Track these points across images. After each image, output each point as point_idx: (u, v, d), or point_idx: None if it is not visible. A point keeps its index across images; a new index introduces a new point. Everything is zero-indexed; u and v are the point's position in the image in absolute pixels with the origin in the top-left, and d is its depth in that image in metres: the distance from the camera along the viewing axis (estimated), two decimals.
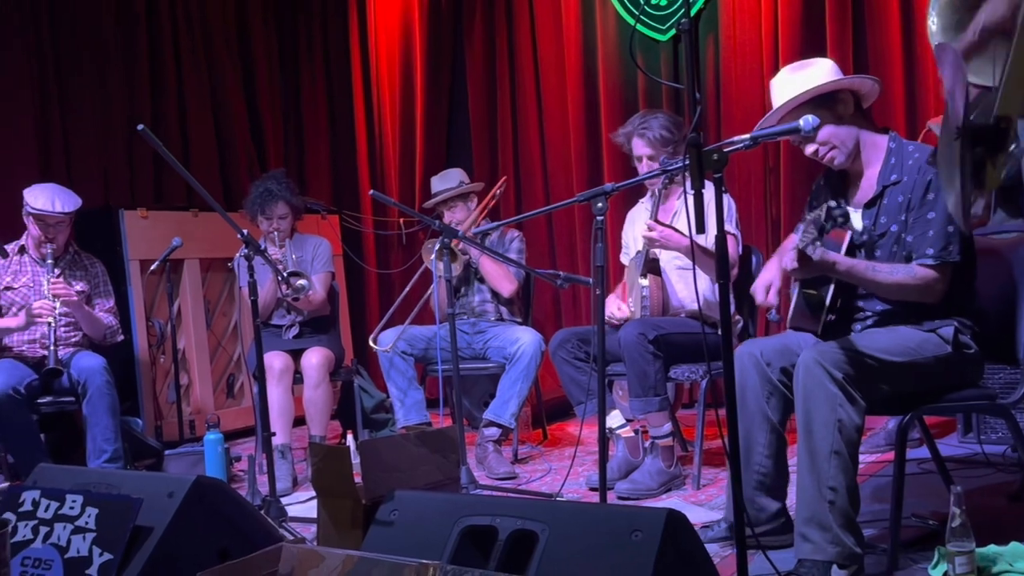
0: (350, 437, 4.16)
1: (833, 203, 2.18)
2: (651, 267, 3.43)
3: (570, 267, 5.14)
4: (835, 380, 2.16)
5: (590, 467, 3.68)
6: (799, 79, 2.49)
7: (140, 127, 2.63)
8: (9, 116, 4.67)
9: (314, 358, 3.96)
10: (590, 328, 3.54)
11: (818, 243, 2.18)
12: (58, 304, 3.69)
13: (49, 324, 3.65)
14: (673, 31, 4.74)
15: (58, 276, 3.77)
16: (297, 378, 4.00)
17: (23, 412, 3.61)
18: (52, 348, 3.63)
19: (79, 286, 3.89)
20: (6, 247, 3.75)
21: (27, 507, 2.12)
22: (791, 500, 2.42)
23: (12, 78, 4.69)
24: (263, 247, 3.41)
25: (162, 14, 5.37)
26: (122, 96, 5.16)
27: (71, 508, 2.07)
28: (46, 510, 2.10)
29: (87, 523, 2.03)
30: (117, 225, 4.58)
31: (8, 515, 2.11)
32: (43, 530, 2.07)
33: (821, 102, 2.44)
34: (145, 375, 4.62)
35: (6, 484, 3.56)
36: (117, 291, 4.18)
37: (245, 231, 3.02)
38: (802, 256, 2.22)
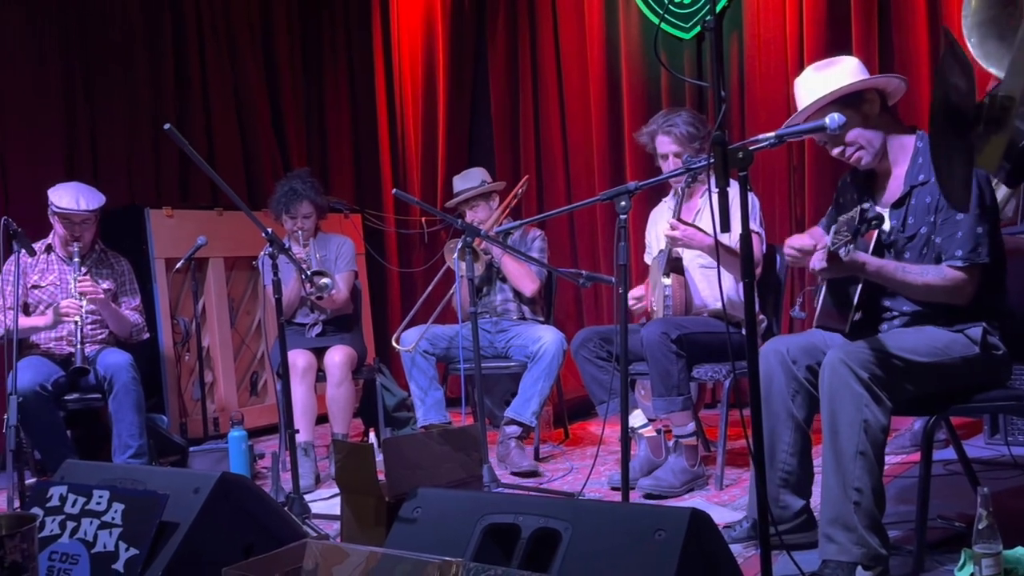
0: (372, 435, 4.17)
1: (867, 205, 2.16)
2: (674, 266, 3.42)
3: (591, 266, 5.13)
4: (861, 380, 2.14)
5: (612, 467, 3.67)
6: (824, 78, 2.46)
7: (167, 126, 2.65)
8: (36, 116, 4.72)
9: (337, 356, 3.98)
10: (612, 327, 3.53)
11: (851, 246, 2.16)
12: (85, 302, 3.72)
13: (76, 322, 3.69)
14: (697, 29, 4.72)
15: (85, 274, 3.81)
16: (320, 376, 4.02)
17: (50, 409, 3.65)
18: (79, 346, 3.66)
19: (105, 284, 3.92)
20: (33, 246, 3.79)
21: (55, 502, 2.15)
22: (815, 499, 2.40)
23: (39, 78, 4.74)
24: (287, 246, 3.43)
25: (187, 15, 5.42)
26: (148, 96, 5.21)
27: (98, 503, 2.09)
28: (73, 505, 2.12)
29: (114, 518, 2.05)
30: (143, 224, 4.62)
31: (36, 510, 2.13)
32: (70, 525, 2.10)
33: (847, 102, 2.42)
34: (170, 372, 4.66)
35: (33, 480, 3.60)
36: (143, 289, 4.22)
37: (270, 230, 3.04)
38: (832, 256, 2.20)
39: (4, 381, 3.55)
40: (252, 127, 5.72)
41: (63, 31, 4.86)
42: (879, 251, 2.42)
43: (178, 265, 4.30)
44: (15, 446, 3.16)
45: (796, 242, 2.47)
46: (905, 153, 2.47)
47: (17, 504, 3.22)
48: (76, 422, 4.05)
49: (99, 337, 3.93)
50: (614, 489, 3.33)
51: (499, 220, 4.11)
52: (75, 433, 4.02)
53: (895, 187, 2.48)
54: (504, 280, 4.13)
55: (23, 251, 3.50)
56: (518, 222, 3.71)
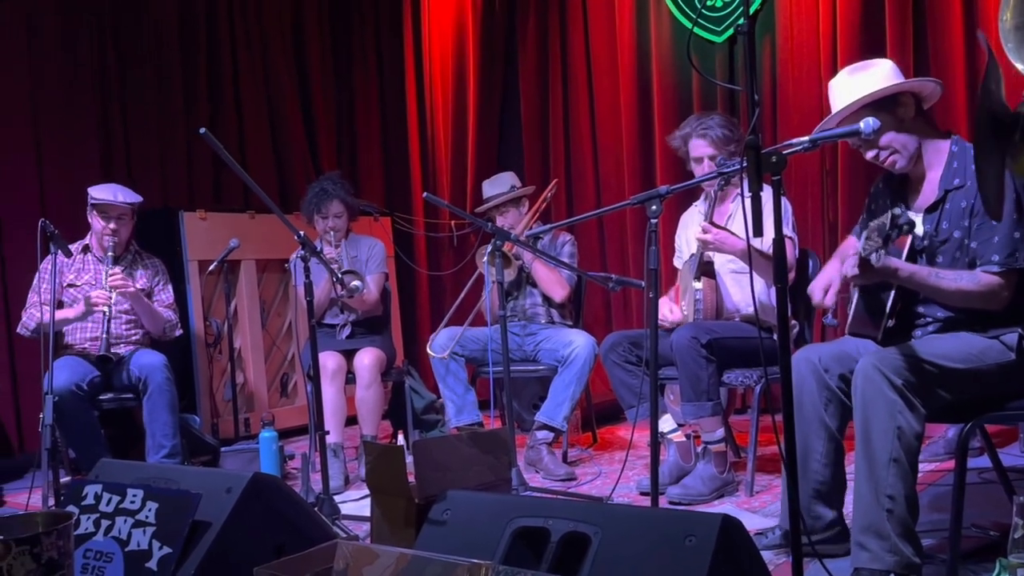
0: (401, 437, 4.19)
1: (898, 210, 2.13)
2: (705, 270, 3.40)
3: (621, 270, 5.12)
4: (894, 387, 2.12)
5: (640, 471, 3.66)
6: (859, 81, 2.44)
7: (202, 130, 2.68)
8: (72, 120, 4.80)
9: (367, 358, 4.00)
10: (642, 331, 3.53)
11: (882, 251, 2.14)
12: (114, 295, 3.76)
13: (104, 313, 3.73)
14: (729, 32, 4.70)
15: (119, 271, 3.86)
16: (349, 378, 4.04)
17: (85, 408, 3.70)
18: (104, 336, 3.71)
19: (140, 283, 3.98)
20: (70, 246, 3.85)
21: (89, 501, 2.17)
22: (847, 509, 2.38)
23: (76, 83, 4.82)
24: (319, 248, 3.45)
25: (220, 20, 5.48)
26: (181, 100, 5.28)
27: (132, 502, 2.11)
28: (108, 504, 2.15)
29: (147, 517, 2.08)
30: (177, 226, 4.68)
31: (71, 508, 2.16)
32: (105, 523, 2.12)
33: (881, 105, 2.40)
34: (202, 373, 4.71)
35: (68, 478, 3.65)
36: (177, 291, 4.27)
37: (302, 232, 3.06)
38: (864, 263, 2.18)
39: (40, 380, 3.61)
40: (284, 131, 5.78)
41: (99, 36, 4.94)
42: (912, 257, 2.39)
43: (211, 267, 4.35)
44: (50, 445, 3.21)
45: (816, 285, 2.48)
46: (940, 157, 2.44)
47: (51, 502, 3.26)
48: (109, 422, 4.11)
49: (133, 338, 3.98)
50: (643, 494, 3.32)
51: (529, 224, 4.11)
52: (108, 432, 4.07)
53: (929, 191, 2.45)
54: (533, 284, 4.14)
55: (59, 252, 3.55)
56: (548, 226, 3.70)
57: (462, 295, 4.19)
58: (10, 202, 4.52)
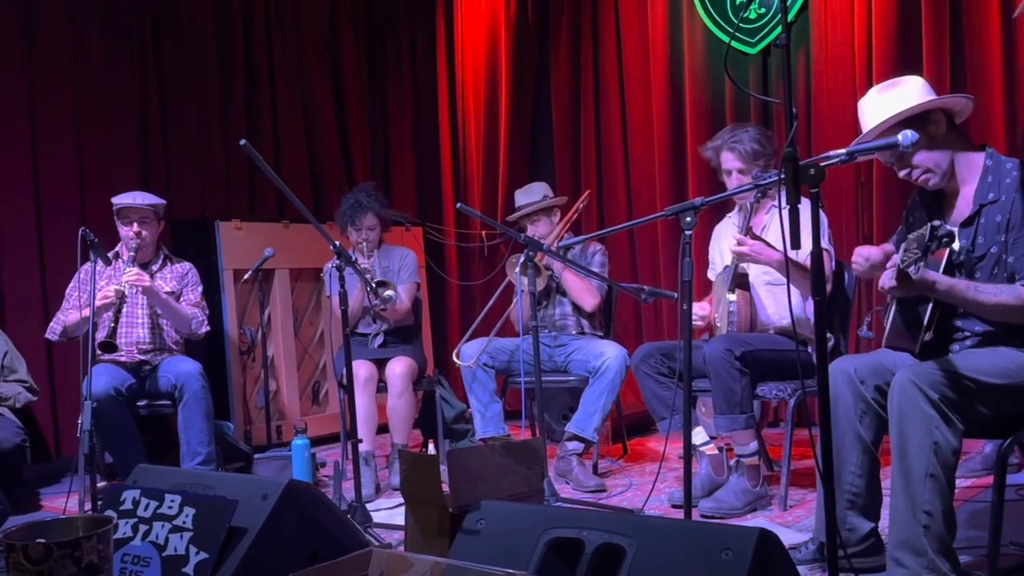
0: (431, 446, 4.20)
1: (937, 223, 2.12)
2: (740, 282, 3.38)
3: (652, 281, 5.11)
4: (931, 401, 2.10)
5: (672, 484, 3.64)
6: (889, 99, 2.43)
7: (242, 142, 2.71)
8: (113, 131, 4.89)
9: (398, 367, 4.02)
10: (674, 343, 3.52)
11: (921, 263, 2.12)
12: (126, 287, 3.78)
13: (114, 303, 3.74)
14: (763, 44, 4.68)
15: (137, 268, 3.89)
16: (381, 387, 4.06)
17: (123, 413, 3.75)
18: (112, 324, 3.71)
19: (170, 286, 4.04)
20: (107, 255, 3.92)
21: (127, 505, 2.20)
22: (883, 522, 2.36)
23: (117, 95, 4.91)
24: (353, 258, 3.48)
25: (257, 34, 5.57)
26: (219, 112, 5.37)
27: (169, 508, 2.14)
28: (146, 509, 2.17)
29: (184, 522, 2.10)
30: (213, 235, 4.74)
31: (110, 512, 2.19)
32: (142, 528, 2.15)
33: (912, 122, 2.37)
34: (236, 381, 4.75)
35: (103, 483, 3.70)
36: (212, 299, 4.31)
37: (337, 243, 3.09)
38: (902, 274, 2.17)
39: (78, 386, 3.66)
40: (318, 142, 5.85)
41: (139, 53, 5.03)
42: (949, 270, 2.37)
43: (246, 276, 4.40)
44: (88, 449, 3.25)
45: (865, 251, 2.45)
46: (973, 172, 2.42)
47: (88, 507, 3.31)
48: (143, 428, 4.16)
49: (169, 346, 4.04)
50: (675, 507, 3.30)
51: (560, 235, 4.12)
52: (143, 439, 4.13)
53: (964, 206, 2.43)
54: (563, 294, 4.14)
55: (99, 260, 3.61)
56: (580, 237, 3.71)
57: (489, 304, 4.20)
58: (52, 212, 4.61)
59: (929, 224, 2.14)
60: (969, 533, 2.66)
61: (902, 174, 2.46)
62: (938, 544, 2.09)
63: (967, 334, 2.38)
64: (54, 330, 3.96)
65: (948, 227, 2.20)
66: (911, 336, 2.35)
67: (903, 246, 2.23)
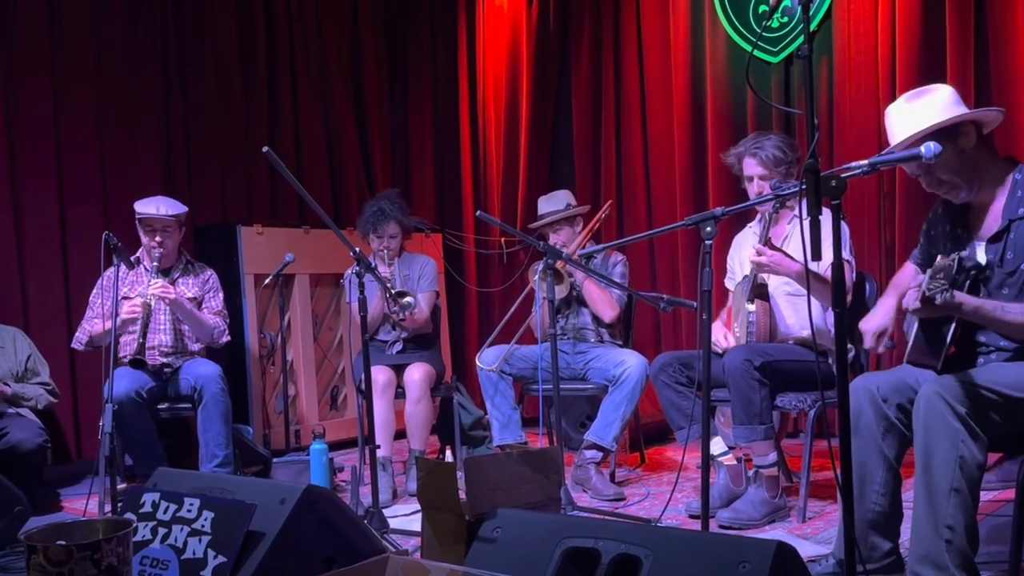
0: (449, 452, 4.21)
1: (965, 253, 2.10)
2: (759, 292, 3.37)
3: (671, 290, 5.09)
4: (958, 415, 2.08)
5: (689, 494, 3.63)
6: (918, 108, 2.38)
7: (265, 149, 2.73)
8: (136, 138, 4.94)
9: (416, 373, 4.03)
10: (693, 352, 3.50)
11: (947, 292, 2.09)
12: (152, 300, 3.82)
13: (138, 317, 3.78)
14: (785, 53, 4.66)
15: (166, 281, 3.93)
16: (399, 393, 4.07)
17: (144, 416, 3.78)
18: (140, 340, 3.76)
19: (192, 292, 4.06)
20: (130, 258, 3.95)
21: (147, 508, 2.21)
22: (903, 538, 2.33)
23: (140, 101, 4.96)
24: (373, 265, 3.49)
25: (280, 41, 5.61)
26: (242, 119, 5.41)
27: (189, 511, 2.15)
28: (165, 512, 2.18)
29: (203, 526, 2.11)
30: (234, 240, 4.77)
31: (130, 515, 2.21)
32: (161, 531, 2.16)
33: (943, 135, 2.34)
34: (255, 385, 4.78)
35: (123, 485, 3.72)
36: (232, 303, 4.33)
37: (357, 249, 3.10)
38: (927, 300, 2.14)
39: (99, 389, 3.69)
40: (339, 150, 5.89)
41: (163, 59, 5.07)
42: (975, 286, 2.34)
43: (266, 281, 4.42)
44: (108, 452, 3.27)
45: (872, 328, 2.46)
46: (1002, 186, 2.38)
47: (108, 509, 3.33)
48: (163, 431, 4.19)
49: (190, 349, 4.06)
50: (692, 517, 3.29)
51: (582, 244, 4.11)
52: (162, 442, 4.16)
53: (992, 221, 2.39)
54: (583, 303, 4.13)
55: (122, 264, 3.64)
56: (602, 246, 3.70)
57: (511, 312, 4.20)
58: (75, 217, 4.66)
59: (957, 255, 2.11)
60: (990, 548, 2.62)
61: (928, 188, 2.43)
62: (960, 559, 2.06)
63: (991, 349, 2.35)
64: (80, 340, 4.00)
65: (976, 259, 2.18)
66: (933, 353, 2.32)
67: (929, 272, 2.19)
